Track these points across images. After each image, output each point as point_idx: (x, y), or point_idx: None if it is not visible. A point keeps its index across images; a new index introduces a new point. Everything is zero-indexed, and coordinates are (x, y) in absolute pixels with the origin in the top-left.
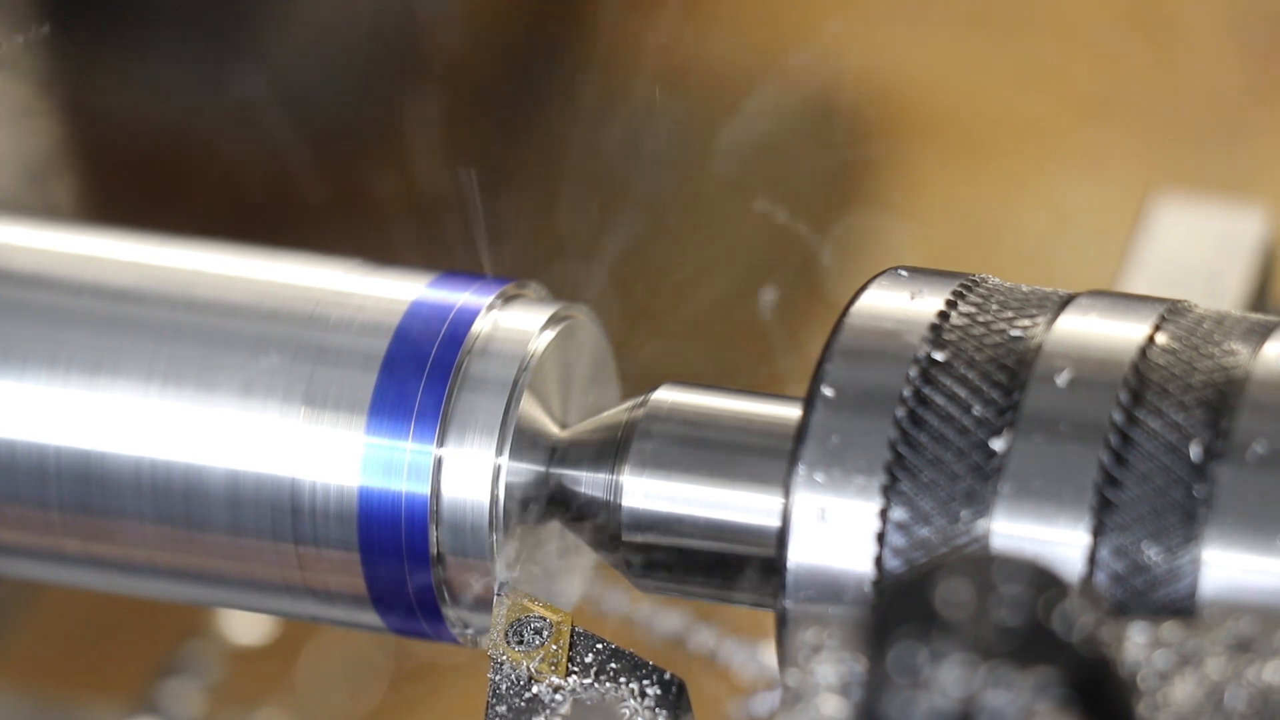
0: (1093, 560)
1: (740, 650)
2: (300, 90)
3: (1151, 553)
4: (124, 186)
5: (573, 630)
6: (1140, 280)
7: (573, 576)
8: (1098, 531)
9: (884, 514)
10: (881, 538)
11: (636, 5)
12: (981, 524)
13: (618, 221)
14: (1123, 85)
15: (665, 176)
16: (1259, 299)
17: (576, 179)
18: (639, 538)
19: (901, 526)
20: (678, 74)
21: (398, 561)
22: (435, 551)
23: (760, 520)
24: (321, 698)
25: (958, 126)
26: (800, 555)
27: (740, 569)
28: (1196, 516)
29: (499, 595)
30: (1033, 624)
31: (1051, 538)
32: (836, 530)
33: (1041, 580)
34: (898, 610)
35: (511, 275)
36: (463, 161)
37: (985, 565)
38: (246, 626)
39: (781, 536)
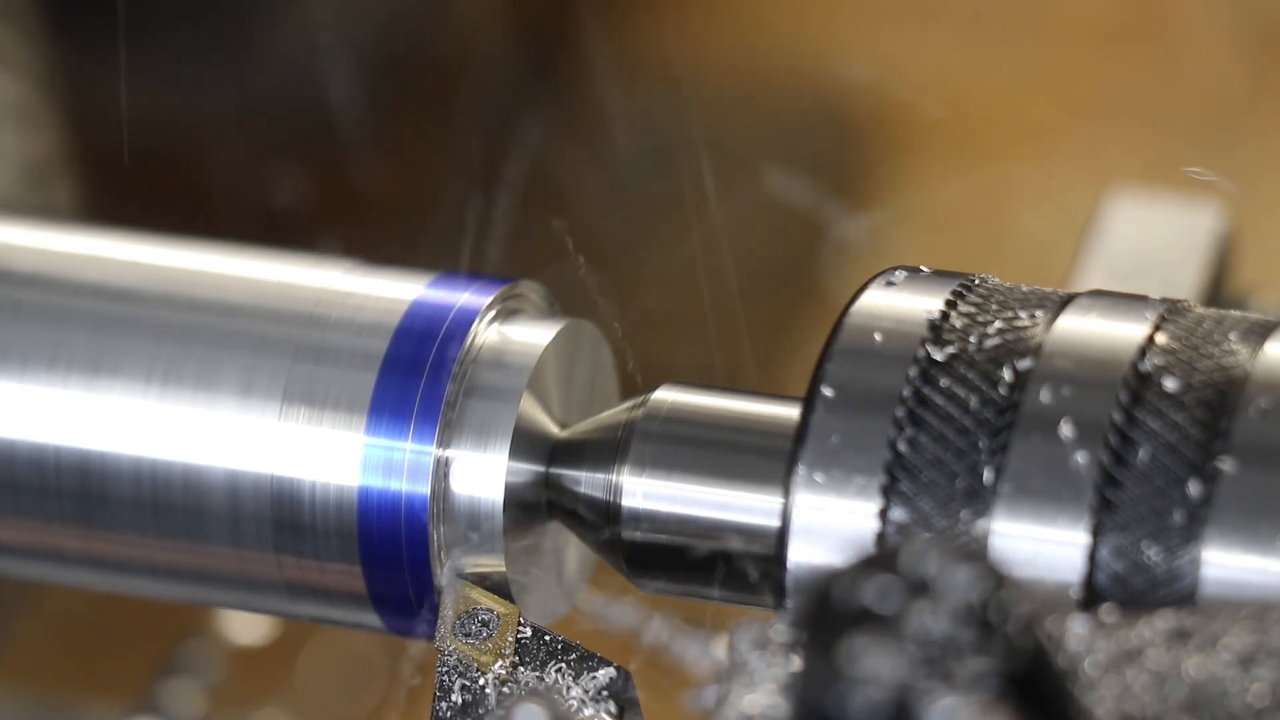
0: (1093, 560)
1: (693, 643)
2: (300, 89)
3: (1151, 553)
4: (124, 186)
5: (519, 622)
6: (1096, 275)
7: (572, 576)
8: (1097, 531)
9: (884, 514)
10: (881, 538)
11: (637, 7)
12: (981, 524)
13: (618, 222)
14: (1123, 85)
15: (665, 177)
16: (1213, 293)
17: (576, 179)
18: (638, 538)
19: (901, 527)
20: (677, 76)
21: (398, 562)
22: (435, 552)
23: (760, 520)
24: (321, 698)
25: (958, 127)
26: (800, 555)
27: (740, 569)
28: (1196, 516)
29: (446, 588)
30: (969, 615)
31: (1051, 538)
32: (836, 531)
33: (978, 571)
34: (833, 601)
35: (511, 275)
36: (462, 161)
37: (922, 556)
38: (246, 626)
39: (781, 537)
